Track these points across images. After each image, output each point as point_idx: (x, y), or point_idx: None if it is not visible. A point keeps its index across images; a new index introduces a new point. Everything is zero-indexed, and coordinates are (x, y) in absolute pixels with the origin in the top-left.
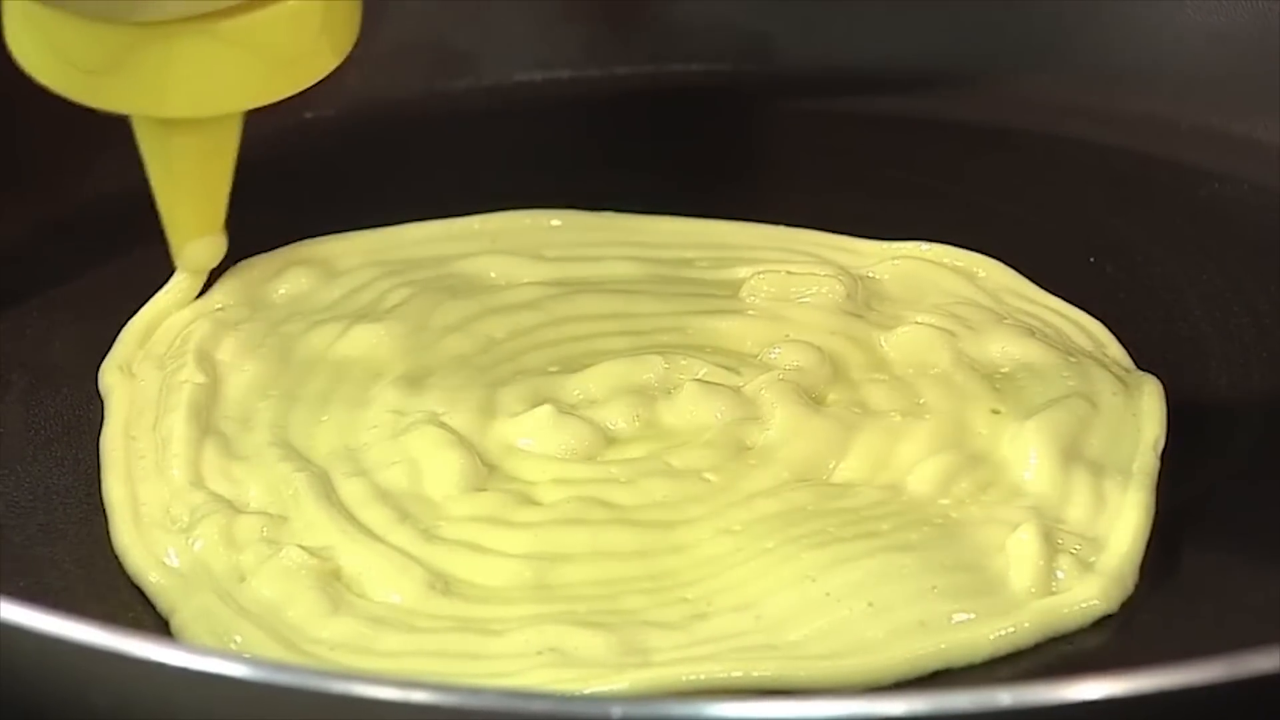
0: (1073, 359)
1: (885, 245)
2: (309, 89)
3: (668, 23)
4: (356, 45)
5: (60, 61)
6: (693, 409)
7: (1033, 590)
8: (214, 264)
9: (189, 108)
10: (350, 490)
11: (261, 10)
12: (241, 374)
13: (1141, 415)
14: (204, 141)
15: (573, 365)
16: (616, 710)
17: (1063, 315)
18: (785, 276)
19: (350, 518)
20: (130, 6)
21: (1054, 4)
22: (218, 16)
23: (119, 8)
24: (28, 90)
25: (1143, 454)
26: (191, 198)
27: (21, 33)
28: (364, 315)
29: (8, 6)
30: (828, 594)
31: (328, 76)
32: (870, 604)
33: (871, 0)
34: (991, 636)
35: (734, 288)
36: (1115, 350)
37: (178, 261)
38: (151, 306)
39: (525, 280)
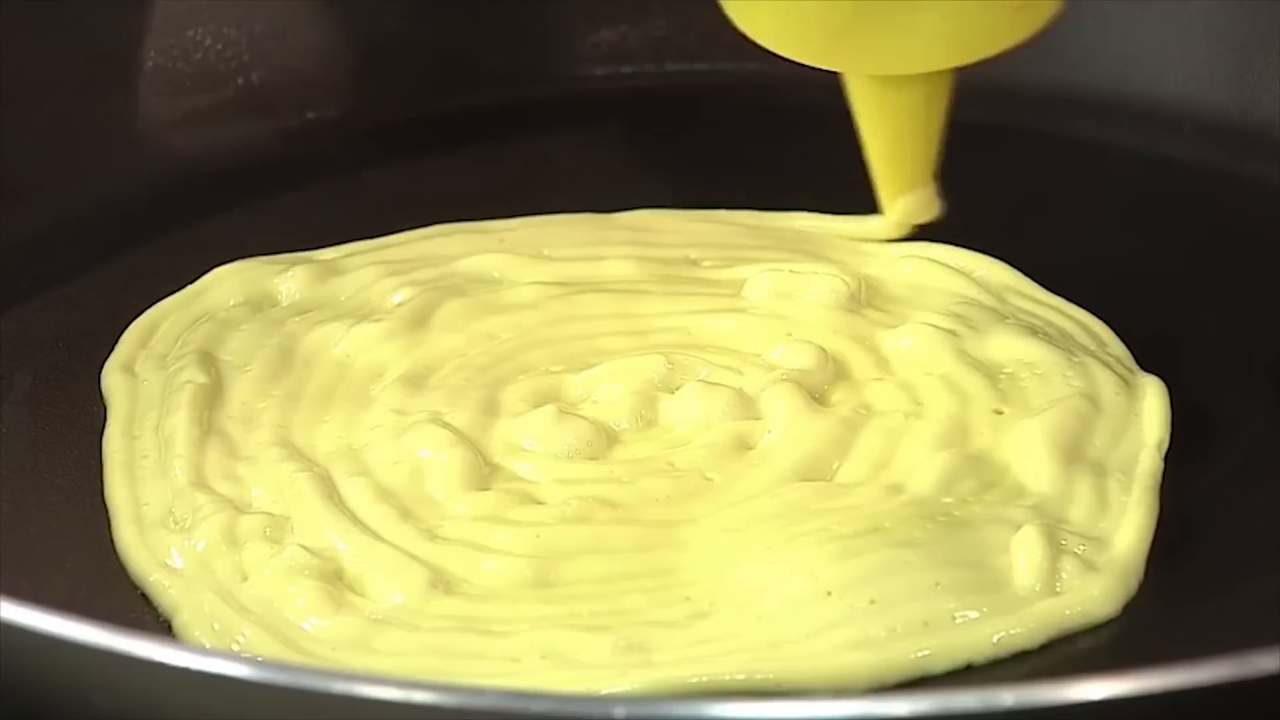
0: (1075, 359)
1: (887, 245)
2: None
3: (669, 23)
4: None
5: (796, 25)
6: (695, 409)
7: (1036, 590)
8: (925, 219)
9: (925, 63)
10: (352, 490)
11: None
12: (244, 374)
13: (1144, 416)
14: (922, 95)
15: (575, 365)
16: (619, 710)
17: (1065, 315)
18: (788, 276)
19: (352, 517)
20: None
21: None
22: None
23: None
24: (27, 91)
25: (1146, 454)
26: (905, 152)
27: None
28: (366, 315)
29: None
30: (829, 592)
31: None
32: (872, 600)
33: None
34: (995, 636)
35: (736, 287)
36: (1118, 350)
37: (888, 215)
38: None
39: (528, 280)
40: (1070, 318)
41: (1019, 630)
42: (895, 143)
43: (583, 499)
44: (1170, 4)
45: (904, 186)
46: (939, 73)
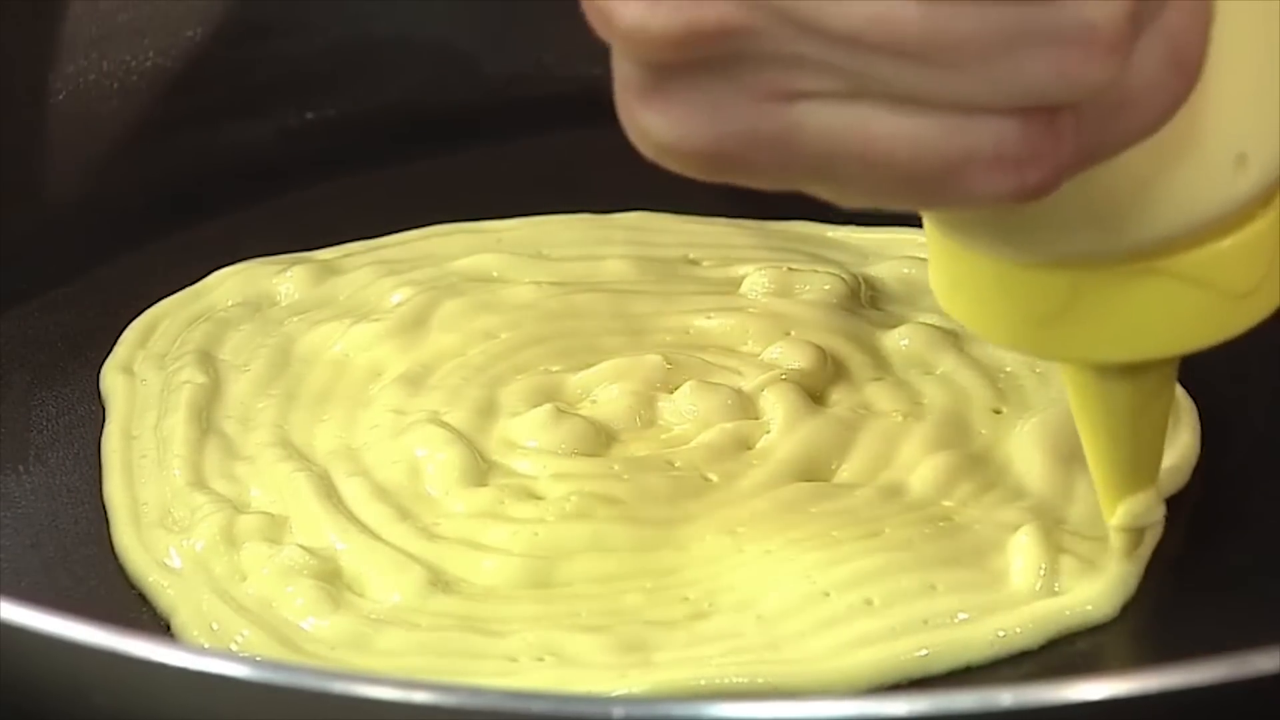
0: None
1: (887, 244)
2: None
3: None
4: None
5: (1002, 311)
6: (694, 408)
7: (1035, 591)
8: (1150, 522)
9: (1137, 351)
10: (350, 489)
11: (1222, 241)
12: (242, 374)
13: None
14: (1139, 386)
15: (574, 364)
16: (617, 710)
17: None
18: (786, 274)
19: (351, 517)
20: (1092, 247)
21: None
22: (1172, 252)
23: (1073, 251)
24: (27, 91)
25: None
26: (1124, 449)
27: (954, 285)
28: (365, 315)
29: (941, 261)
30: (827, 594)
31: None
32: (869, 601)
33: None
34: (992, 636)
35: (734, 286)
36: None
37: (1109, 519)
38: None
39: (526, 279)
40: None
41: (1018, 630)
42: (1116, 441)
43: (582, 495)
44: None
45: (1127, 489)
46: (1163, 362)
